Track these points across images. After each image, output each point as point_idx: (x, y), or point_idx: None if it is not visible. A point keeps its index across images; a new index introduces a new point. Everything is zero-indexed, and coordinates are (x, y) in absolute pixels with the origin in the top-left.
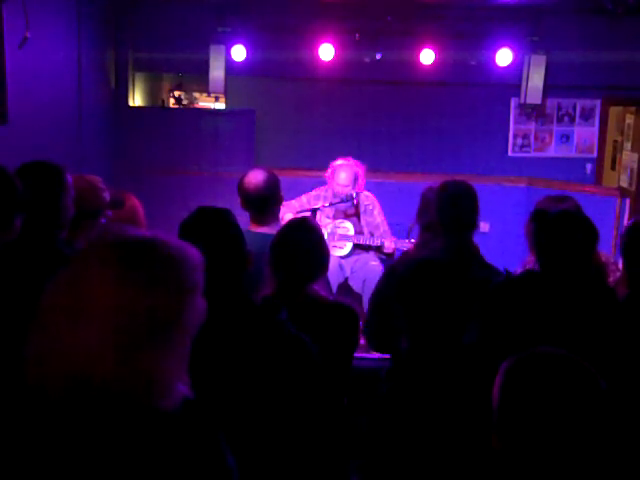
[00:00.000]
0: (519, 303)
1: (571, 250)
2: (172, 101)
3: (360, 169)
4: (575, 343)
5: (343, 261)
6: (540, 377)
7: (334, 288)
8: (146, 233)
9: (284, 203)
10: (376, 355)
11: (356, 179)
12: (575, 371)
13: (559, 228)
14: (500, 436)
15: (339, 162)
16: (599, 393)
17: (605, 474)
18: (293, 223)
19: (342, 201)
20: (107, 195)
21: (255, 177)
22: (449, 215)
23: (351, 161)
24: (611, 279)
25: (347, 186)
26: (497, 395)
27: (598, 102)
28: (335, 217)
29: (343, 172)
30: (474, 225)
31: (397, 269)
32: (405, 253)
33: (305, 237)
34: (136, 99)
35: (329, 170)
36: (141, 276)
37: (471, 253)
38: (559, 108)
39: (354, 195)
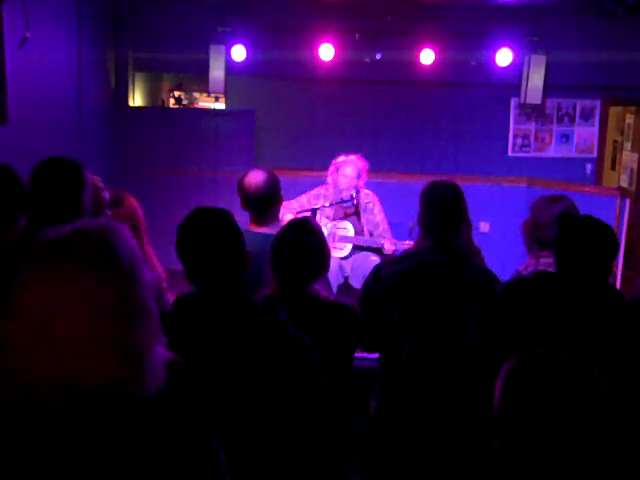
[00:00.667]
0: (533, 304)
1: (596, 257)
2: (172, 101)
3: (363, 165)
4: (589, 346)
5: (343, 262)
6: (541, 377)
7: (334, 289)
8: (79, 225)
9: (284, 203)
10: (376, 355)
11: (359, 174)
12: (576, 371)
13: (588, 234)
14: (501, 436)
15: (342, 158)
16: (601, 393)
17: (607, 474)
18: (294, 223)
19: (342, 201)
20: (106, 195)
21: (255, 177)
22: (434, 215)
23: (354, 157)
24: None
25: (352, 179)
26: (498, 395)
27: (598, 102)
28: (335, 217)
29: (348, 166)
30: (459, 225)
31: (383, 268)
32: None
33: (306, 238)
34: (136, 99)
35: (332, 167)
36: (110, 269)
37: (459, 253)
38: (559, 108)
39: (354, 195)
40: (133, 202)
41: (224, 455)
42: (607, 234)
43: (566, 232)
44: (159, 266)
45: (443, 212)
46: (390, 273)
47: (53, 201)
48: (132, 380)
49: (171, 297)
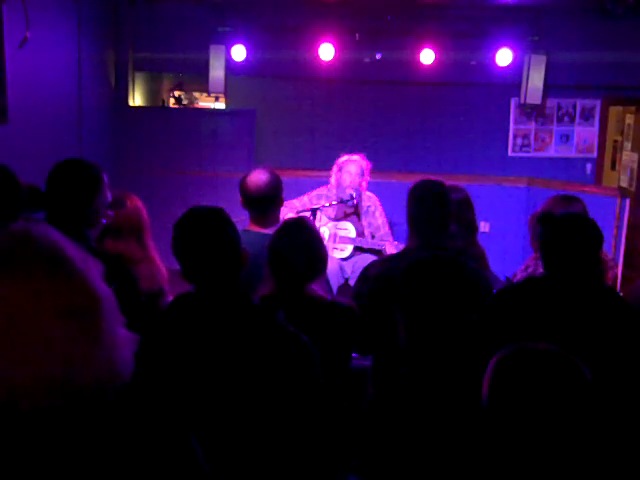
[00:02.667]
0: (522, 309)
1: (575, 253)
2: (172, 101)
3: (366, 164)
4: (579, 346)
5: (344, 263)
6: (526, 371)
7: (335, 290)
8: (13, 230)
9: (285, 203)
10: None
11: (363, 173)
12: (559, 364)
13: (564, 231)
14: (489, 428)
15: (345, 158)
16: (584, 385)
17: (592, 464)
18: (289, 223)
19: (342, 201)
20: (109, 195)
21: (257, 177)
22: (419, 213)
23: (358, 157)
24: (610, 276)
25: (355, 177)
26: (486, 389)
27: (598, 102)
28: (336, 216)
29: (352, 165)
30: (446, 223)
31: (371, 268)
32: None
33: (301, 237)
34: (136, 99)
35: (335, 167)
36: (62, 268)
37: (448, 251)
38: (559, 108)
39: (354, 195)
40: (137, 203)
41: (203, 450)
42: (586, 229)
43: (546, 231)
44: (162, 267)
45: (428, 210)
46: (379, 272)
47: (70, 202)
48: (112, 368)
49: (171, 298)
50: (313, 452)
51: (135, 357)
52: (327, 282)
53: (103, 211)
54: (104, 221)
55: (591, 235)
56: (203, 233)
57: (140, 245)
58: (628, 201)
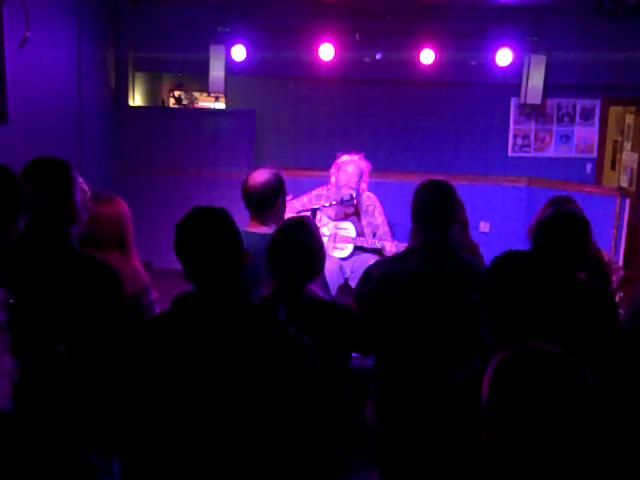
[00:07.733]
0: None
1: (560, 249)
2: (172, 101)
3: (365, 165)
4: (572, 345)
5: (344, 262)
6: (527, 372)
7: (334, 290)
8: None
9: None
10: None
11: (361, 174)
12: (561, 366)
13: (549, 229)
14: (489, 429)
15: (345, 158)
16: (586, 387)
17: (592, 466)
18: (288, 222)
19: (342, 201)
20: (87, 190)
21: (257, 176)
22: (421, 213)
23: (357, 157)
24: (614, 278)
25: (352, 177)
26: (486, 390)
27: (598, 102)
28: (336, 217)
29: (350, 165)
30: (450, 223)
31: (373, 269)
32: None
33: (299, 236)
34: (136, 99)
35: (334, 166)
36: None
37: (447, 250)
38: (559, 108)
39: (354, 195)
40: (119, 209)
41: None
42: (571, 226)
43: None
44: (141, 266)
45: (433, 210)
46: (382, 273)
47: (44, 202)
48: None
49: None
50: (313, 453)
51: (133, 356)
52: (325, 282)
53: (82, 206)
54: (85, 215)
55: (573, 232)
56: (206, 234)
57: (122, 252)
58: (628, 201)
